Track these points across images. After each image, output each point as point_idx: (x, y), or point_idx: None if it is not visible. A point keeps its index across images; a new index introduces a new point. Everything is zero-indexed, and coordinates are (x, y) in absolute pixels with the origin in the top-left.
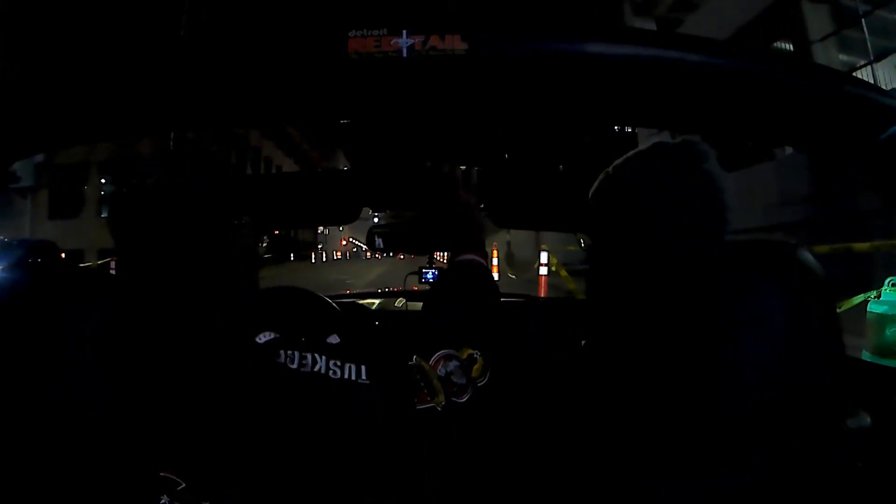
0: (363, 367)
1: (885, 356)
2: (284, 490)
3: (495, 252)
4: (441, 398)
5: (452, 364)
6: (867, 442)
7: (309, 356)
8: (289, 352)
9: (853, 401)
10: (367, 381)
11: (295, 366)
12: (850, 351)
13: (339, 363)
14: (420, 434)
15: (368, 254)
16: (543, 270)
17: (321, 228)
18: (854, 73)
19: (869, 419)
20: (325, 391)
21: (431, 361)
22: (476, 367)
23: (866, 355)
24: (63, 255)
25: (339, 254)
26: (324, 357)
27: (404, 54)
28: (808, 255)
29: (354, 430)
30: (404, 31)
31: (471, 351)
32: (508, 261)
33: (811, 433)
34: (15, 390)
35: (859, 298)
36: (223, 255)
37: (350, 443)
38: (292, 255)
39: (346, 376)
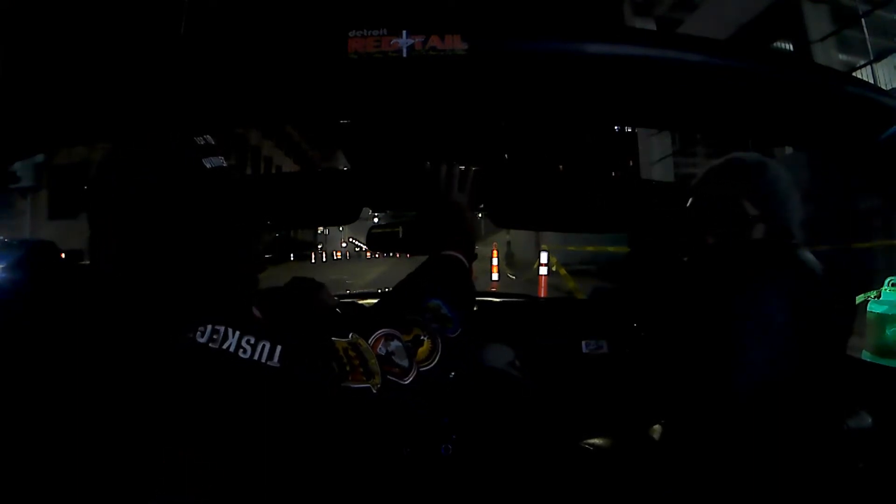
0: (278, 348)
1: (885, 356)
2: (200, 474)
3: (495, 252)
4: (377, 380)
5: (394, 344)
6: (867, 442)
7: (221, 329)
8: (204, 327)
9: (853, 401)
10: (278, 365)
11: (204, 340)
12: (850, 351)
13: (252, 340)
14: (348, 414)
15: (368, 254)
16: (543, 270)
17: (321, 228)
18: (854, 73)
19: (869, 419)
20: (230, 373)
21: (371, 340)
22: (422, 349)
23: (866, 355)
24: (63, 255)
25: (339, 254)
26: (237, 332)
27: (404, 54)
28: (808, 255)
29: (262, 418)
30: (404, 32)
31: (418, 332)
32: (508, 261)
33: (811, 433)
34: (14, 390)
35: (859, 298)
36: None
37: (258, 432)
38: (292, 255)
39: (255, 357)
